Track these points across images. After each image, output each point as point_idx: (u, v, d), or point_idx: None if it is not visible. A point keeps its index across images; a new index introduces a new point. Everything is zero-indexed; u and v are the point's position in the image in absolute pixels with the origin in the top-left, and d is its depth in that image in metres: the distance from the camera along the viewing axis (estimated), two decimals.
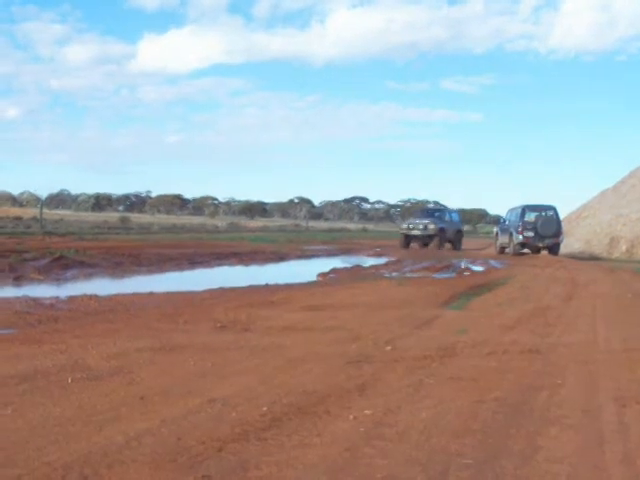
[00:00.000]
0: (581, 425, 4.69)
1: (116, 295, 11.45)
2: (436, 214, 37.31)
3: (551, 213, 30.13)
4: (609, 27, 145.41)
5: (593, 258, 30.74)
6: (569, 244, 33.96)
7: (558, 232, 29.69)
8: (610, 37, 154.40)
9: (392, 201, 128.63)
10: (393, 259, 25.46)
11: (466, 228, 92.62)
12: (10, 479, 3.41)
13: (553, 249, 29.52)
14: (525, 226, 29.29)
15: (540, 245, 29.51)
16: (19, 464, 3.62)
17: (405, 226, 35.68)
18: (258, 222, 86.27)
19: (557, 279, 17.60)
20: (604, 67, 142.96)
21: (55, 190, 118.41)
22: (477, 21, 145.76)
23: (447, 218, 36.62)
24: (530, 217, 29.67)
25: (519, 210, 30.24)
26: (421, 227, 34.31)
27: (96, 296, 11.01)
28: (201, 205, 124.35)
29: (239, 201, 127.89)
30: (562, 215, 32.87)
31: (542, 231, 29.10)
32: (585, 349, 7.60)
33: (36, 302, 10.02)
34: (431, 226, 34.04)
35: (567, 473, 3.78)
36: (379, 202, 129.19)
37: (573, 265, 23.81)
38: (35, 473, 3.50)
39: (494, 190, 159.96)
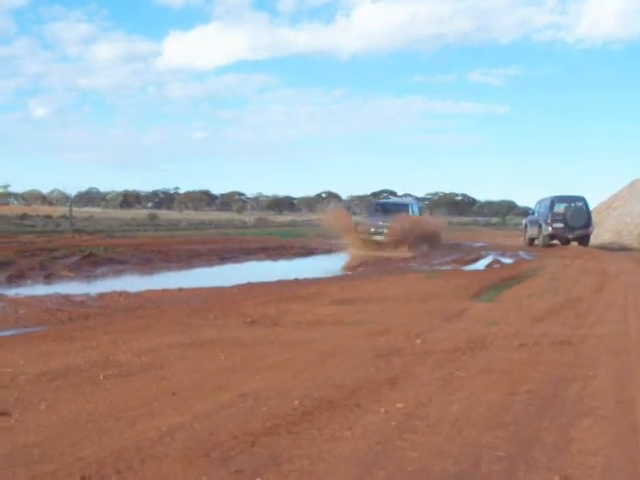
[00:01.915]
0: (614, 416, 4.65)
1: (146, 291, 11.52)
2: (398, 211, 29.08)
3: (580, 204, 29.83)
4: (637, 14, 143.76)
5: (623, 249, 30.42)
6: (599, 235, 33.62)
7: (588, 223, 29.40)
8: (638, 25, 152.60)
9: (420, 194, 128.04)
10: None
11: (495, 220, 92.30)
12: (45, 474, 3.44)
13: (583, 240, 29.24)
14: (554, 217, 29.02)
15: (570, 236, 29.23)
16: (54, 459, 3.65)
17: (366, 228, 27.66)
18: (286, 217, 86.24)
19: (587, 270, 17.46)
20: (632, 55, 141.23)
21: (84, 188, 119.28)
22: (503, 12, 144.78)
23: (411, 214, 29.14)
24: (559, 208, 29.37)
25: (548, 201, 29.97)
26: (386, 231, 26.88)
27: (126, 293, 11.10)
28: (229, 201, 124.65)
29: (267, 196, 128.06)
30: (592, 206, 32.54)
31: (572, 222, 28.84)
32: (617, 340, 7.53)
33: (67, 299, 10.12)
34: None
35: (602, 465, 3.75)
36: (407, 195, 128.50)
37: (603, 256, 23.59)
38: (69, 468, 3.53)
39: (522, 182, 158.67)
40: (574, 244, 29.19)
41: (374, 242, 26.74)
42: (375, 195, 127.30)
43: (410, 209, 29.93)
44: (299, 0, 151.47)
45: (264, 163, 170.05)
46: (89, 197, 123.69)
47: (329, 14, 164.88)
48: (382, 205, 32.55)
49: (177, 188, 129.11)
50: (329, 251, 26.91)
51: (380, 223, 27.65)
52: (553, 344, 7.15)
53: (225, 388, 5.19)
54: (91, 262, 16.66)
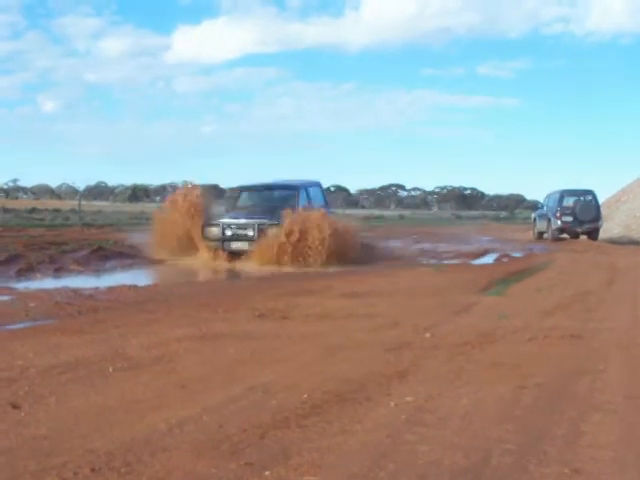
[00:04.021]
0: (625, 411, 4.64)
1: (155, 285, 11.55)
2: (280, 200, 18.67)
3: (590, 198, 29.74)
4: None
5: (633, 243, 30.30)
6: (608, 229, 33.48)
7: (597, 217, 29.31)
8: None
9: (429, 188, 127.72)
10: (429, 245, 25.32)
11: (503, 214, 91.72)
12: (56, 466, 3.45)
13: (592, 234, 29.16)
14: (563, 211, 28.95)
15: (579, 230, 29.16)
16: (64, 452, 3.65)
17: (216, 231, 17.49)
18: None
19: (597, 264, 17.41)
20: None
21: (93, 182, 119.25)
22: (512, 5, 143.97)
23: (302, 204, 17.86)
24: (568, 202, 29.30)
25: (557, 195, 29.89)
26: (251, 234, 17.03)
27: (135, 286, 11.11)
28: None
29: None
30: (601, 199, 32.41)
31: (581, 216, 28.77)
32: (627, 334, 7.51)
33: (76, 293, 10.13)
34: (273, 230, 16.55)
35: (612, 459, 3.74)
36: (415, 189, 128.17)
37: (613, 250, 23.53)
38: (79, 460, 3.53)
39: (532, 175, 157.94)
40: (583, 238, 29.12)
41: (232, 253, 17.20)
42: (383, 189, 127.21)
43: (300, 197, 18.43)
44: None
45: (273, 156, 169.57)
46: (98, 191, 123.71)
47: (338, 8, 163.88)
48: (250, 192, 20.20)
49: (185, 182, 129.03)
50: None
51: (243, 221, 17.62)
52: (563, 338, 7.13)
53: (234, 381, 5.19)
54: (100, 256, 16.70)
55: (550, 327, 7.71)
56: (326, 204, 19.33)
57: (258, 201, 19.34)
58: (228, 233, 17.31)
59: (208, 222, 17.78)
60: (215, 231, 17.50)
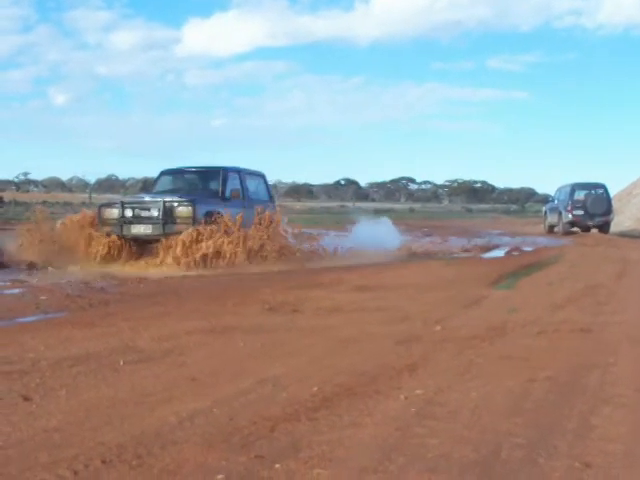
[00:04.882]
0: (635, 404, 4.62)
1: (165, 278, 11.56)
2: (203, 183, 16.56)
3: (601, 191, 29.68)
4: None
5: None
6: (619, 222, 33.38)
7: (608, 210, 29.25)
8: None
9: (439, 181, 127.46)
10: (440, 239, 25.29)
11: (514, 207, 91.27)
12: (67, 458, 3.46)
13: (603, 228, 29.10)
14: (574, 205, 28.89)
15: (590, 224, 29.11)
16: (75, 444, 3.67)
17: (115, 212, 14.62)
18: (305, 204, 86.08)
19: (608, 257, 17.34)
20: None
21: (103, 175, 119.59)
22: None
23: (231, 190, 15.61)
24: (579, 195, 29.25)
25: (568, 189, 29.83)
26: (155, 214, 14.19)
27: (145, 279, 11.13)
28: None
29: (285, 183, 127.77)
30: (612, 193, 32.32)
31: (592, 209, 28.71)
32: (637, 327, 7.48)
33: (87, 286, 10.16)
34: (182, 209, 14.23)
35: (622, 452, 3.72)
36: (426, 182, 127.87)
37: (624, 243, 23.44)
38: (91, 453, 3.55)
39: (542, 169, 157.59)
40: (594, 231, 29.05)
41: (133, 238, 14.44)
42: (394, 182, 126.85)
43: (227, 183, 15.77)
44: None
45: (283, 150, 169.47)
46: (109, 184, 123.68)
47: (348, 0, 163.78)
48: (169, 175, 17.13)
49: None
50: None
51: (147, 199, 15.00)
52: (573, 331, 7.11)
53: (244, 374, 5.20)
54: None
55: (560, 321, 7.69)
56: (270, 199, 17.55)
57: (179, 185, 16.64)
58: (128, 214, 14.37)
59: (105, 204, 15.66)
60: (113, 212, 14.61)
